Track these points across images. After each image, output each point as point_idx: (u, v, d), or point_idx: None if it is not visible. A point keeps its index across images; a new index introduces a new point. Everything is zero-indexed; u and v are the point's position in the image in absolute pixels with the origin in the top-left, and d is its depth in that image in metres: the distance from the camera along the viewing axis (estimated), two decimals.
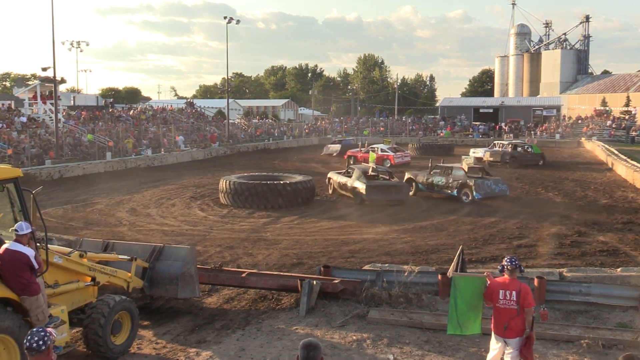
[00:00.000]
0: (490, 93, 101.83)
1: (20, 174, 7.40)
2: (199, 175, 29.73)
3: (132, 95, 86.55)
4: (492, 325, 6.54)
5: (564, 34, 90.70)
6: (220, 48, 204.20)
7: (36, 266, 6.50)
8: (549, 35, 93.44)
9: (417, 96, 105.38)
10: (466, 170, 22.31)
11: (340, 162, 35.04)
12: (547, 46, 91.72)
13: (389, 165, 30.41)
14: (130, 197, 22.13)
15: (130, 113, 49.05)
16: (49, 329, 3.98)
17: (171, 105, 61.78)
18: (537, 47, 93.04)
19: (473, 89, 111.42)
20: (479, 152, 36.45)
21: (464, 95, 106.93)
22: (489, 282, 6.57)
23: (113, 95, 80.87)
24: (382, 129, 64.21)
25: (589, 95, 78.15)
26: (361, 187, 20.21)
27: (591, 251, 13.55)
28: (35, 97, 40.02)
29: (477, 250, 13.65)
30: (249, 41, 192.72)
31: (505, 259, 6.56)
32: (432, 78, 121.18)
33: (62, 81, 42.87)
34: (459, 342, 8.05)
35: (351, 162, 32.71)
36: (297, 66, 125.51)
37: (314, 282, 9.46)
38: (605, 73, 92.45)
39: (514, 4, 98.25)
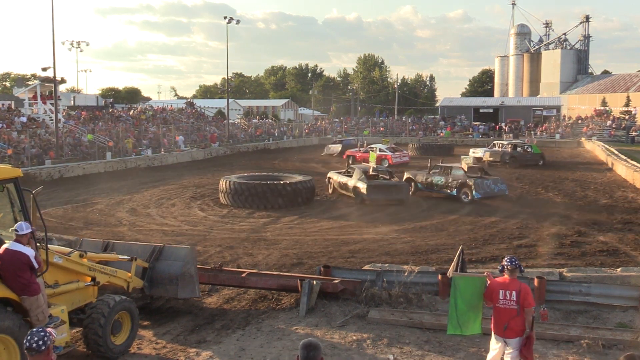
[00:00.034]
0: (490, 93, 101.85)
1: (20, 174, 7.40)
2: (199, 175, 29.73)
3: (132, 95, 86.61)
4: (492, 325, 6.55)
5: (564, 34, 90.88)
6: (220, 48, 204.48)
7: (36, 266, 6.50)
8: (549, 35, 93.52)
9: (417, 96, 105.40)
10: (465, 170, 22.37)
11: (340, 162, 35.05)
12: (547, 46, 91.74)
13: (387, 165, 30.44)
14: (130, 197, 22.13)
15: (130, 113, 49.05)
16: (48, 329, 3.98)
17: (171, 105, 61.79)
18: (537, 47, 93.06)
19: (473, 89, 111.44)
20: (478, 152, 36.45)
21: (464, 95, 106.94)
22: (489, 282, 6.58)
23: (113, 95, 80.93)
24: (382, 129, 64.21)
25: (589, 95, 78.16)
26: (362, 186, 20.24)
27: (591, 251, 13.55)
28: (35, 97, 40.03)
29: (477, 250, 13.65)
30: (249, 41, 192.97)
31: (505, 259, 6.56)
32: (432, 78, 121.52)
33: (62, 81, 42.86)
34: (459, 342, 8.05)
35: (350, 162, 32.77)
36: (297, 66, 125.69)
37: (314, 282, 9.46)
38: (605, 73, 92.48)
39: (514, 4, 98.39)
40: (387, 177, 21.55)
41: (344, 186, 21.72)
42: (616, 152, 35.81)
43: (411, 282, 9.85)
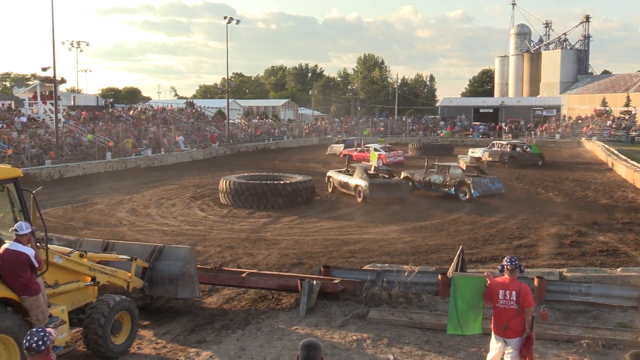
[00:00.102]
0: (490, 93, 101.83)
1: (20, 174, 7.40)
2: (199, 175, 29.73)
3: (132, 95, 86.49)
4: (492, 325, 6.55)
5: (564, 34, 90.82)
6: (220, 48, 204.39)
7: (36, 265, 6.50)
8: (549, 35, 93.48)
9: (417, 96, 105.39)
10: (464, 168, 22.52)
11: (340, 162, 35.05)
12: (547, 46, 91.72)
13: (381, 164, 30.54)
14: (130, 197, 22.13)
15: (130, 113, 49.05)
16: (48, 329, 3.98)
17: (171, 105, 61.79)
18: (537, 47, 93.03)
19: (473, 89, 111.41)
20: (477, 152, 36.49)
21: (464, 95, 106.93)
22: (489, 282, 6.58)
23: (113, 95, 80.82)
24: (382, 129, 64.20)
25: (589, 95, 78.15)
26: (364, 185, 20.35)
27: (591, 251, 13.55)
28: (35, 97, 40.02)
29: (477, 250, 13.65)
30: (249, 41, 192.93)
31: (505, 259, 6.57)
32: (432, 78, 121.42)
33: (62, 81, 42.90)
34: (459, 342, 8.05)
35: (348, 161, 32.85)
36: (297, 66, 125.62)
37: (314, 282, 9.46)
38: (605, 73, 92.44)
39: (514, 4, 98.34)
40: (387, 176, 21.65)
41: (344, 185, 21.81)
42: (616, 152, 35.80)
43: (411, 282, 9.85)
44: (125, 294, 8.40)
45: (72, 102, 54.25)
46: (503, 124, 64.19)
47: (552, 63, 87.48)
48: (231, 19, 46.94)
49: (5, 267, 6.39)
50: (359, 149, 36.90)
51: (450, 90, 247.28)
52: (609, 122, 60.11)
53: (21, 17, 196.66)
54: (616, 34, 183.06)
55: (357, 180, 20.89)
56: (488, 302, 6.57)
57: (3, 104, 39.69)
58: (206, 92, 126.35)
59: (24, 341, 3.84)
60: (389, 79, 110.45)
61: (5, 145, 30.59)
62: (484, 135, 58.74)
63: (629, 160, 30.33)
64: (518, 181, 26.88)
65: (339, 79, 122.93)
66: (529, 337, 6.33)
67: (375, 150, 34.17)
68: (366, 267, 11.12)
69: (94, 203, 20.95)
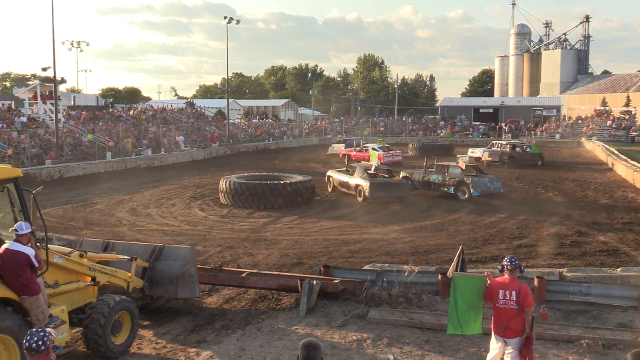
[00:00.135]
0: (490, 93, 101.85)
1: (20, 174, 7.40)
2: (199, 175, 29.73)
3: (132, 95, 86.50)
4: (492, 325, 6.55)
5: (564, 34, 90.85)
6: (220, 48, 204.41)
7: (37, 264, 6.50)
8: (549, 35, 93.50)
9: (417, 96, 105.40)
10: (463, 168, 22.57)
11: (340, 162, 35.03)
12: (547, 46, 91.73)
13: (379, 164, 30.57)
14: (130, 197, 22.13)
15: (130, 113, 49.05)
16: (48, 329, 3.98)
17: (171, 105, 61.78)
18: (537, 47, 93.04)
19: (473, 89, 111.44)
20: (477, 152, 36.48)
21: (464, 95, 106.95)
22: (489, 282, 6.58)
23: (113, 95, 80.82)
24: (382, 129, 64.20)
25: (589, 95, 78.16)
26: (364, 184, 20.37)
27: (591, 251, 13.55)
28: (35, 97, 40.02)
29: (477, 250, 13.65)
30: (249, 41, 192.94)
31: (505, 259, 6.57)
32: (432, 78, 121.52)
33: (62, 81, 42.87)
34: (459, 342, 8.05)
35: (347, 161, 32.91)
36: (297, 66, 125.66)
37: (314, 282, 9.46)
38: (605, 73, 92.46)
39: (514, 4, 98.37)
40: (387, 176, 21.67)
41: (345, 184, 21.82)
42: (616, 152, 35.80)
43: (411, 282, 9.85)
44: (125, 294, 8.40)
45: (72, 102, 54.24)
46: (503, 124, 64.19)
47: (552, 63, 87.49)
48: (231, 19, 46.97)
49: (5, 267, 6.39)
50: (357, 148, 36.96)
51: (450, 90, 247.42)
52: (609, 122, 60.12)
53: (21, 17, 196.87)
54: (616, 34, 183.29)
55: (357, 180, 20.91)
56: (488, 302, 6.57)
57: (3, 104, 39.69)
58: (206, 92, 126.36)
59: (24, 341, 3.84)
60: (389, 79, 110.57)
61: (5, 145, 30.59)
62: (484, 135, 58.73)
63: (629, 160, 30.33)
64: (518, 181, 26.87)
65: (339, 79, 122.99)
66: (529, 337, 6.33)
67: (374, 149, 34.24)
68: (366, 267, 11.12)
69: (94, 203, 20.95)
